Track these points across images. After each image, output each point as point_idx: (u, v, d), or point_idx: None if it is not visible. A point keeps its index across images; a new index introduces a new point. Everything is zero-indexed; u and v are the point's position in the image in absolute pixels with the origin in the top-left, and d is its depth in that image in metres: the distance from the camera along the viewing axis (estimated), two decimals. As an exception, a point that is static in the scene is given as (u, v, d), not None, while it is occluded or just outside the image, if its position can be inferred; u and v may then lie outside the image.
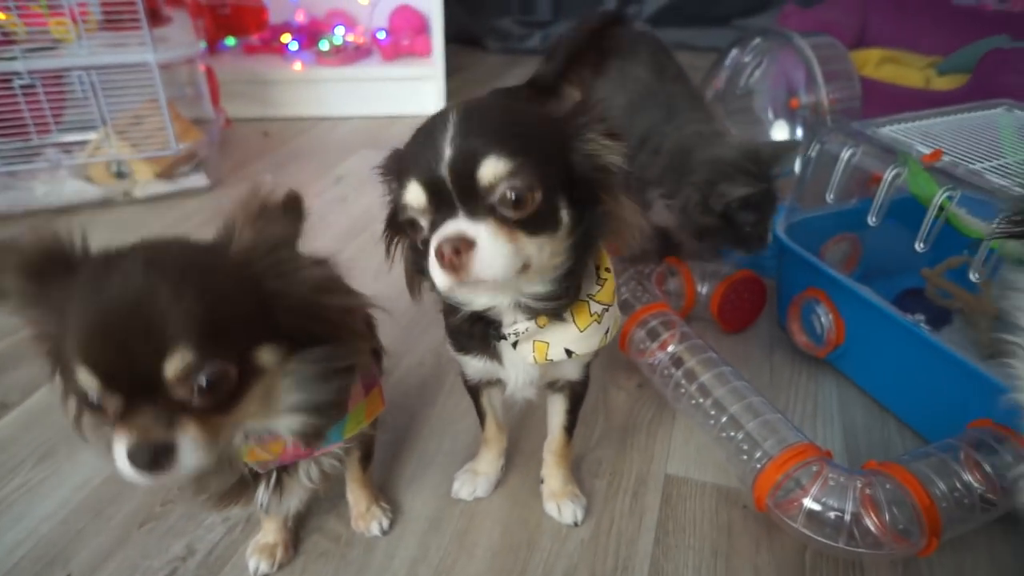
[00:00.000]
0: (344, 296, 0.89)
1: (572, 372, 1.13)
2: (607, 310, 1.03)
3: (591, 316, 1.01)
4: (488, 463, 1.32)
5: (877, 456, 1.32)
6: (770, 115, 1.96)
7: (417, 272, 0.97)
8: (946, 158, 1.40)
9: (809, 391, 1.58)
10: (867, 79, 2.96)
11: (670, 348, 1.49)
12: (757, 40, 1.98)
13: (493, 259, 0.80)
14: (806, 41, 1.84)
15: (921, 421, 1.43)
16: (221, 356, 0.72)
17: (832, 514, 1.16)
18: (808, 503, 1.17)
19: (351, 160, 2.91)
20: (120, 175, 2.50)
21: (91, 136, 2.44)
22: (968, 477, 1.17)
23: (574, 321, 1.00)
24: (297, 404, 0.84)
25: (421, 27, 3.48)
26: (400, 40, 3.44)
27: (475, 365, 1.08)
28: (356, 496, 1.25)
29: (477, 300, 0.95)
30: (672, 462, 1.40)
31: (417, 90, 3.31)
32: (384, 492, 1.32)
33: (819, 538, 1.17)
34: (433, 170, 0.81)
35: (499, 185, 0.80)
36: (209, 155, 2.71)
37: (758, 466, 1.22)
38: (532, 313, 0.96)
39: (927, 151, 1.42)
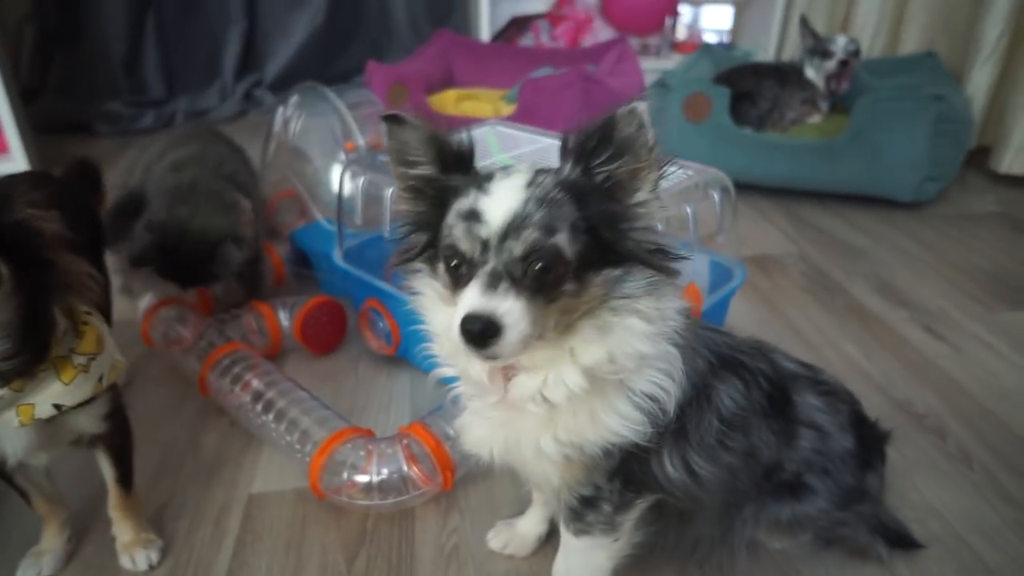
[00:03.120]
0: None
1: (88, 426, 1.17)
2: (94, 359, 1.11)
3: (75, 368, 1.08)
4: (51, 539, 1.30)
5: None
6: (322, 160, 2.20)
7: None
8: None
9: (387, 386, 1.81)
10: (449, 115, 3.44)
11: (253, 384, 1.59)
12: (295, 97, 2.22)
13: None
14: (335, 94, 2.11)
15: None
16: None
17: (384, 478, 1.36)
18: (363, 478, 1.36)
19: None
20: None
21: None
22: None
23: (58, 377, 1.06)
24: None
25: (-4, 123, 3.22)
26: (-29, 139, 3.15)
27: None
28: None
29: None
30: (256, 482, 1.50)
31: (5, 188, 3.05)
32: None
33: (374, 503, 1.36)
34: None
35: None
36: None
37: (307, 459, 1.38)
38: (2, 379, 1.00)
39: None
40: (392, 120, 0.91)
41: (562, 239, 0.82)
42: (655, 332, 0.89)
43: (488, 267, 0.82)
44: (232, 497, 1.47)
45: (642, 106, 0.80)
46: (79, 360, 1.09)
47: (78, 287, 1.06)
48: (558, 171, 0.88)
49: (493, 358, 0.83)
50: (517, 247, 0.81)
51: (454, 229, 0.85)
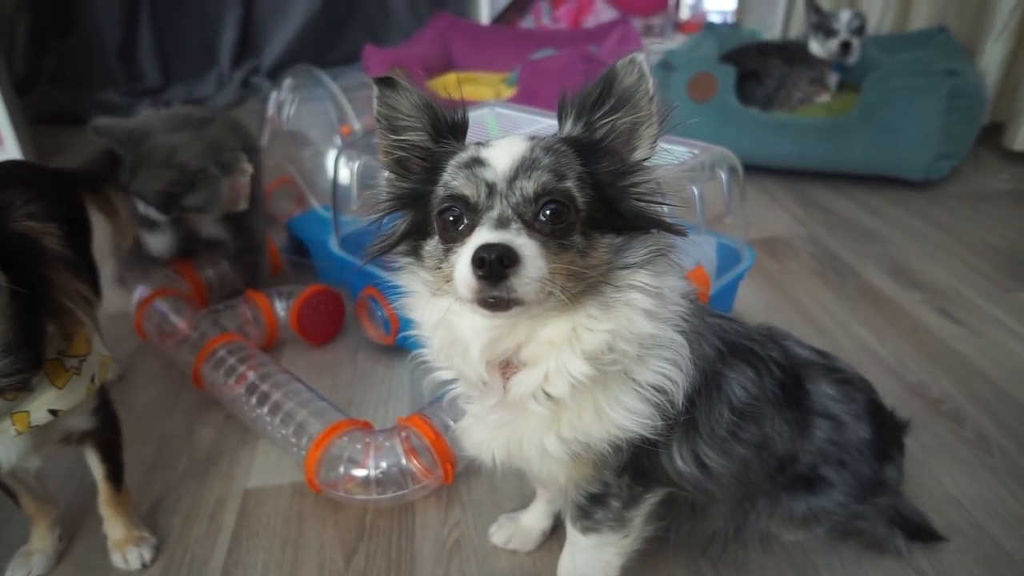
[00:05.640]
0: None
1: (77, 422, 1.13)
2: (85, 360, 1.07)
3: (67, 371, 1.04)
4: (41, 538, 1.27)
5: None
6: (320, 142, 2.14)
7: None
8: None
9: (386, 377, 1.76)
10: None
11: (248, 376, 1.55)
12: (289, 80, 2.16)
13: None
14: (328, 77, 2.05)
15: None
16: None
17: (383, 472, 1.31)
18: (361, 472, 1.31)
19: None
20: None
21: None
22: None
23: (52, 383, 1.02)
24: None
25: (-11, 114, 3.17)
26: (-35, 130, 3.11)
27: None
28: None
29: None
30: (253, 477, 1.46)
31: None
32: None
33: (372, 497, 1.32)
34: None
35: None
36: None
37: (303, 452, 1.34)
38: None
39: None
40: (384, 83, 0.86)
41: (572, 185, 0.80)
42: (657, 311, 0.84)
43: (495, 212, 0.79)
44: (228, 492, 1.43)
45: (641, 56, 0.80)
46: (71, 363, 1.05)
47: (68, 309, 1.02)
48: (558, 131, 0.87)
49: (506, 306, 0.76)
50: (528, 186, 0.78)
51: (454, 180, 0.82)
